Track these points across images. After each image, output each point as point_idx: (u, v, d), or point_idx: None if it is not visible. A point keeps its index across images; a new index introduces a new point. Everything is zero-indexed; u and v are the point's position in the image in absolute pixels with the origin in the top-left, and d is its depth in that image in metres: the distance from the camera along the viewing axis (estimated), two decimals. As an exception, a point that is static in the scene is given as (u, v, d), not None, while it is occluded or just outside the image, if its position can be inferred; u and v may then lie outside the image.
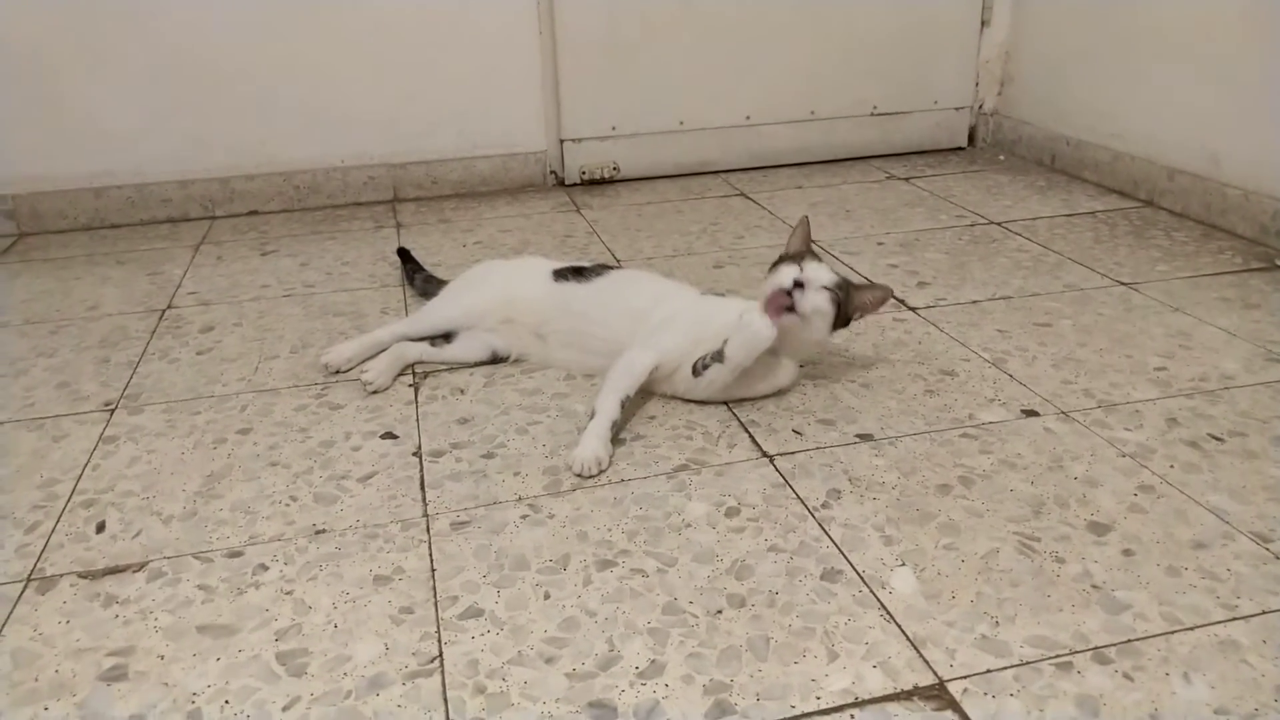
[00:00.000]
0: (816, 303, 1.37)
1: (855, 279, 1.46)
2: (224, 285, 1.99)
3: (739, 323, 1.35)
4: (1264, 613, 1.01)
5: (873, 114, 2.81)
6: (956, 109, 2.88)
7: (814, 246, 1.49)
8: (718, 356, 1.37)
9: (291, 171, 2.49)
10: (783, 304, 1.36)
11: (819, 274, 1.39)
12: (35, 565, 1.13)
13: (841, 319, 1.42)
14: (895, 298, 1.82)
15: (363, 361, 1.59)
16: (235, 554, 1.15)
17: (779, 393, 1.47)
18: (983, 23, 2.80)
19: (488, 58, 2.51)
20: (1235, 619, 1.00)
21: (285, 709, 0.92)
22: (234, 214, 2.48)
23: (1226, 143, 2.15)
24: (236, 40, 2.35)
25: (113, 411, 1.48)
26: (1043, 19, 2.70)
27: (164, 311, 1.87)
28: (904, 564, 1.10)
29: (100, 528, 1.20)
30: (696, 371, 1.40)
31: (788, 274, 1.38)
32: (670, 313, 1.46)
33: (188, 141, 2.41)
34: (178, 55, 2.33)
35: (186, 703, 0.93)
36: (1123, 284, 1.87)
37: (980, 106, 2.91)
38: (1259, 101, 2.05)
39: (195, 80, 2.36)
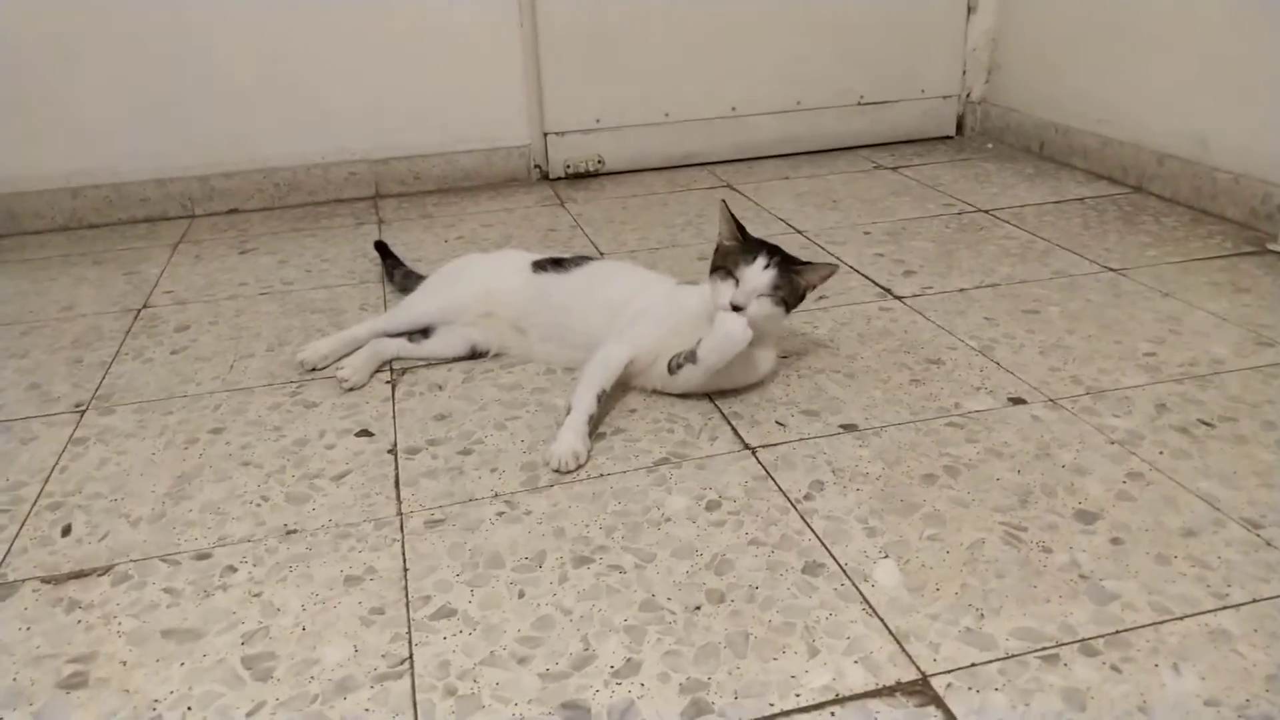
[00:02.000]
0: (761, 312, 1.33)
1: (798, 256, 1.40)
2: (201, 284, 1.96)
3: (714, 324, 1.32)
4: (1255, 601, 0.98)
5: (859, 103, 2.78)
6: (944, 97, 2.86)
7: (758, 232, 1.41)
8: (690, 357, 1.34)
9: (272, 168, 2.46)
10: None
11: (755, 280, 1.33)
12: (-3, 570, 1.10)
13: (794, 301, 1.38)
14: (884, 287, 1.80)
15: (339, 359, 1.56)
16: (203, 556, 1.12)
17: (760, 383, 1.44)
18: (969, 9, 2.77)
19: (469, 51, 2.48)
20: (1226, 608, 0.97)
21: (249, 714, 0.89)
22: (213, 212, 2.44)
23: (1215, 126, 2.12)
24: (215, 35, 2.31)
25: (83, 413, 1.45)
26: (1029, 5, 2.67)
27: (139, 311, 1.83)
28: (887, 556, 1.07)
29: (66, 531, 1.17)
30: (671, 370, 1.38)
31: (724, 297, 1.32)
32: (645, 305, 1.43)
33: (166, 139, 2.37)
34: (156, 51, 2.29)
35: (147, 710, 0.90)
36: (1112, 270, 1.84)
37: (968, 95, 2.88)
38: (1247, 84, 2.03)
39: (174, 76, 2.32)
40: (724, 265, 1.36)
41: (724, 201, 1.42)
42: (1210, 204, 2.13)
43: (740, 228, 1.41)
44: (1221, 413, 1.33)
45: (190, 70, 2.32)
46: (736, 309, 1.32)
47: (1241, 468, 1.21)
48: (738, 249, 1.38)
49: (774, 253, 1.36)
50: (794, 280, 1.36)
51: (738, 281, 1.33)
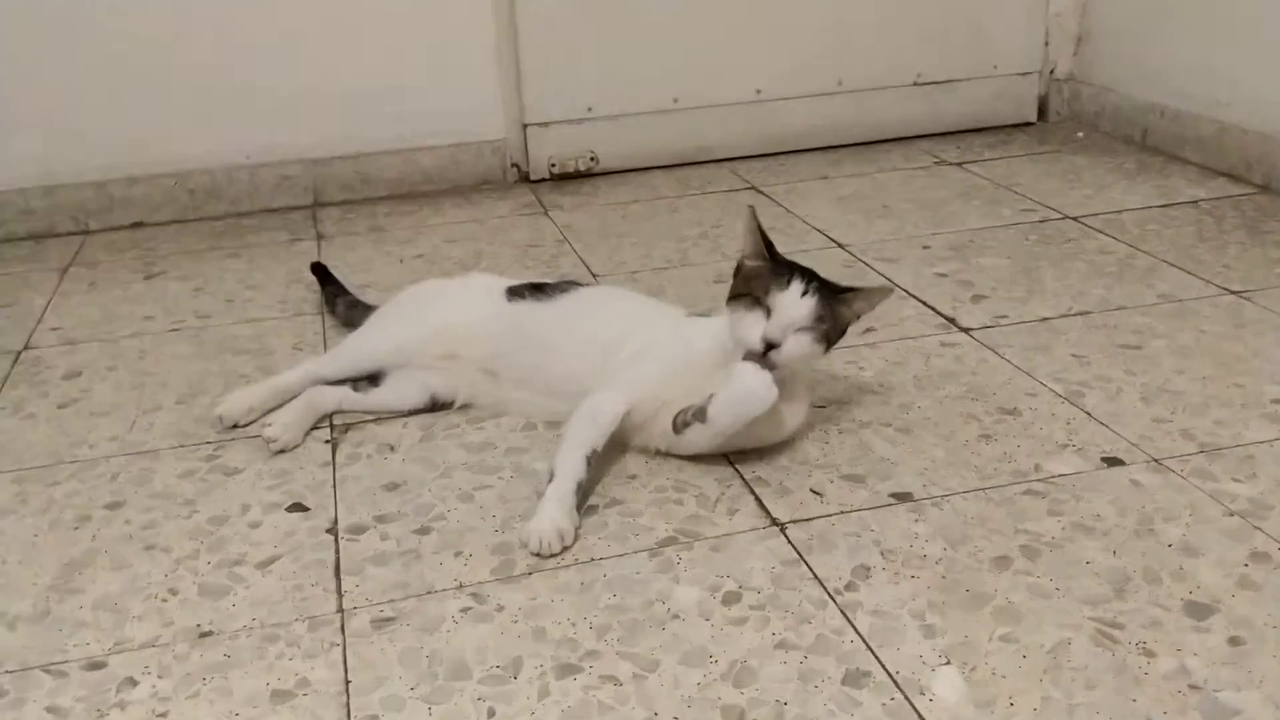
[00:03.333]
0: (798, 351, 1.34)
1: (841, 281, 1.41)
2: (96, 318, 2.00)
3: (731, 375, 1.33)
4: None
5: (916, 83, 2.82)
6: (1022, 75, 2.90)
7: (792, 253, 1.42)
8: (700, 415, 1.36)
9: (185, 172, 2.50)
10: (767, 367, 1.32)
11: (793, 310, 1.33)
12: None
13: (836, 337, 1.40)
14: (931, 307, 1.82)
15: (267, 412, 1.58)
16: (97, 665, 1.13)
17: (789, 440, 1.46)
18: (1051, -35, 2.82)
19: (429, 23, 2.52)
20: (1373, 726, 0.98)
21: None
22: (113, 227, 2.49)
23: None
24: (114, 10, 2.36)
25: (-51, 483, 1.48)
26: (1126, -40, 2.72)
27: (19, 354, 1.87)
28: (949, 662, 1.08)
29: (-74, 636, 1.19)
30: (676, 427, 1.40)
31: (753, 331, 1.33)
32: (646, 343, 1.45)
33: (55, 137, 2.42)
34: (40, 32, 2.34)
35: None
36: (1232, 292, 1.86)
37: (1052, 71, 2.92)
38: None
39: (63, 61, 2.37)
40: (749, 291, 1.37)
41: (752, 208, 1.43)
42: (1355, 207, 2.15)
43: (769, 244, 1.42)
44: (1369, 475, 1.35)
45: (85, 54, 2.37)
46: (771, 346, 1.32)
47: (1394, 546, 1.22)
48: (766, 270, 1.39)
49: (810, 276, 1.38)
50: (838, 310, 1.38)
51: (769, 311, 1.35)
